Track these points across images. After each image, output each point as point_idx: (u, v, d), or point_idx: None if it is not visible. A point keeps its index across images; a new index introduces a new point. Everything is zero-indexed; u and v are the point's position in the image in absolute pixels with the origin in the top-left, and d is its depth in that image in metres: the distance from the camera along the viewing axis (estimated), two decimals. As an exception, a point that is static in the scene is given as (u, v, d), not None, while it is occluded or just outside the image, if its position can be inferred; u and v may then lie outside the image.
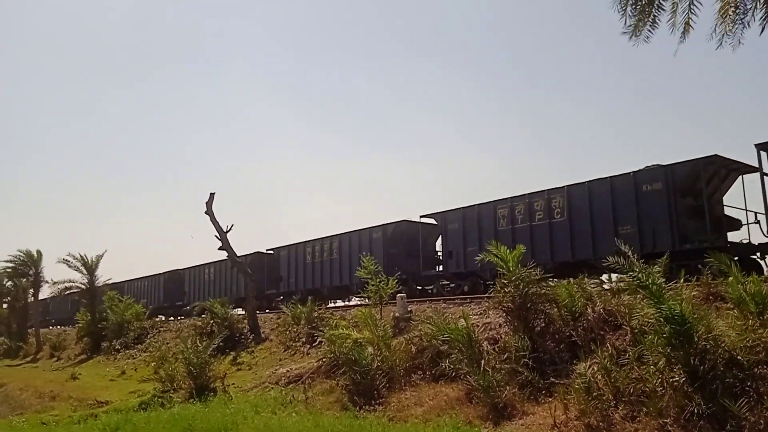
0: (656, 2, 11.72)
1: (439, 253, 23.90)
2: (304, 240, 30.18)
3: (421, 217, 23.94)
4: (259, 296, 29.40)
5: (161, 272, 42.66)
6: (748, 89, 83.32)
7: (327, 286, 28.13)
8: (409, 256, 24.24)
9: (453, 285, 22.38)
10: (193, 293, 38.00)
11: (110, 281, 38.87)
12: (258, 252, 33.12)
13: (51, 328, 51.57)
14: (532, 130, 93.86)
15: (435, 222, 23.23)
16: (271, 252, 32.66)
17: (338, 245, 27.79)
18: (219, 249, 26.42)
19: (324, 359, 15.23)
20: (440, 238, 23.26)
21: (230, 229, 26.00)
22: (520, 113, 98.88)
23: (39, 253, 44.30)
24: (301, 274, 29.92)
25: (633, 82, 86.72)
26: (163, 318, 38.30)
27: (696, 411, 7.87)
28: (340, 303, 27.84)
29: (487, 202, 20.87)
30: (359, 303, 22.29)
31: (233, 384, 17.11)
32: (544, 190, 19.25)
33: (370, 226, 26.31)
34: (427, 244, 24.50)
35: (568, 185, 18.80)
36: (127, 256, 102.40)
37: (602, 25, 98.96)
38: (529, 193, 19.58)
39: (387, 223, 25.74)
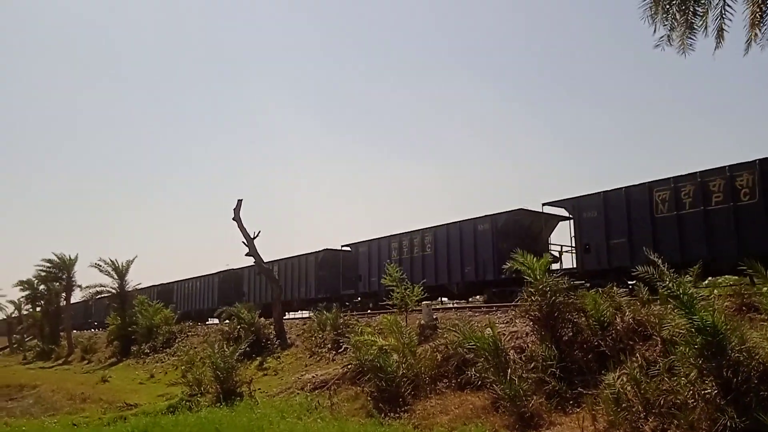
0: (691, 9, 11.62)
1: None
2: (389, 234, 26.62)
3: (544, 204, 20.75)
4: (334, 297, 28.06)
5: (215, 272, 40.36)
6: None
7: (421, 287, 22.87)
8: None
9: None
10: (253, 293, 35.42)
11: (140, 286, 39.52)
12: (329, 249, 30.64)
13: (93, 331, 52.23)
14: (553, 137, 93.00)
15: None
16: (348, 248, 29.23)
17: (432, 238, 24.20)
18: (246, 255, 26.65)
19: (349, 366, 15.25)
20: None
21: (257, 235, 26.21)
22: (540, 119, 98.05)
23: (72, 258, 45.27)
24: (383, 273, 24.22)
25: (660, 91, 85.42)
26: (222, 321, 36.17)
27: (729, 425, 7.67)
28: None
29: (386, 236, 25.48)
30: (383, 311, 21.76)
31: (259, 389, 17.21)
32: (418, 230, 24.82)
33: (475, 216, 22.80)
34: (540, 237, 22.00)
35: (434, 226, 24.29)
36: (158, 261, 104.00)
37: (627, 34, 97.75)
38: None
39: (496, 214, 22.10)
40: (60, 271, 45.40)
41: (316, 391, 15.29)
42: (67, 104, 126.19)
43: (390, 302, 18.40)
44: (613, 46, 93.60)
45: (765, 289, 9.85)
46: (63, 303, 47.31)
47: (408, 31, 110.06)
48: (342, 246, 29.65)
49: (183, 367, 21.69)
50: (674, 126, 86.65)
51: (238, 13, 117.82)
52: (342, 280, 28.90)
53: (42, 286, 49.71)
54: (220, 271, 39.78)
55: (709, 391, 8.14)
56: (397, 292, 17.73)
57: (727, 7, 11.65)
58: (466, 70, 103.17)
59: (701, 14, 11.59)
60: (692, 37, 11.96)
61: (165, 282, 46.13)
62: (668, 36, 12.09)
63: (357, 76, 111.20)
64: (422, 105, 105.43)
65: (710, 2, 11.57)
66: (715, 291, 11.52)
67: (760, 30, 11.58)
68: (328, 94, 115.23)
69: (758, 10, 11.46)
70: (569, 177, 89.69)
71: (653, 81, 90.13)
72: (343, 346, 17.23)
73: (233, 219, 26.16)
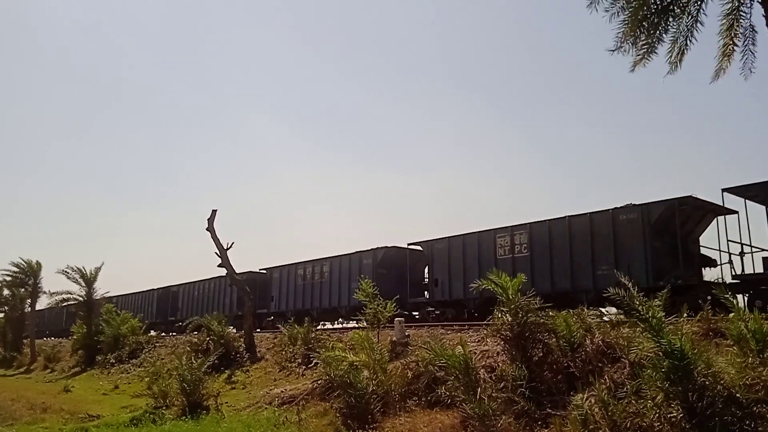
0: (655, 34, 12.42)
1: (426, 280, 24.45)
2: (296, 261, 30.70)
3: (408, 244, 24.91)
4: (244, 315, 29.21)
5: (155, 288, 43.61)
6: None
7: (317, 308, 28.46)
8: (398, 283, 24.19)
9: (438, 312, 22.85)
10: (186, 309, 38.67)
11: (108, 294, 38.84)
12: (251, 271, 33.44)
13: (45, 339, 51.31)
14: (536, 154, 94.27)
15: (422, 249, 23.92)
16: (264, 272, 33.08)
17: (329, 268, 28.28)
18: (219, 266, 26.35)
19: (319, 381, 15.10)
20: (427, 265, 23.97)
21: (230, 246, 25.96)
22: (524, 136, 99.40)
23: (39, 264, 44.35)
24: (291, 295, 30.47)
25: (647, 112, 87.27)
26: (153, 333, 38.20)
27: (693, 448, 7.76)
28: (329, 325, 28.14)
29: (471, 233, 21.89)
30: (355, 326, 22.25)
31: (226, 403, 16.94)
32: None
33: (360, 250, 26.93)
34: (415, 270, 24.86)
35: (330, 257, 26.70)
36: (127, 270, 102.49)
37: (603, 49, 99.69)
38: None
39: (377, 248, 26.22)
40: (26, 277, 44.40)
41: (285, 406, 15.09)
42: (36, 108, 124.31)
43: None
44: (605, 64, 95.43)
45: (732, 315, 10.03)
46: (28, 309, 46.24)
47: (395, 43, 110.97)
48: (260, 269, 33.91)
49: (149, 379, 21.27)
50: (663, 147, 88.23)
51: (217, 23, 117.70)
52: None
53: (6, 292, 48.56)
54: (159, 288, 43.07)
55: (675, 414, 8.22)
56: (370, 308, 17.66)
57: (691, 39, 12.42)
58: (455, 85, 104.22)
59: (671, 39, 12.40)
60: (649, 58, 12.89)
61: (111, 295, 45.70)
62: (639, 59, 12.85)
63: (341, 88, 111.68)
64: (408, 117, 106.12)
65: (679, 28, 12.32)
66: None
67: (729, 61, 12.16)
68: (313, 106, 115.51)
69: (731, 42, 12.01)
70: (556, 195, 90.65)
71: (644, 102, 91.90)
72: (314, 361, 17.09)
73: (207, 229, 25.90)
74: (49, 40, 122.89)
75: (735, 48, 12.66)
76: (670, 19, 12.86)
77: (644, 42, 13.07)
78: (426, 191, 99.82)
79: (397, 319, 17.49)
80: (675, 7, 12.76)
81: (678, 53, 13.07)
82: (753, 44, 12.80)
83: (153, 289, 43.94)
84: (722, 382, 8.31)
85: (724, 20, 12.71)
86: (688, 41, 13.02)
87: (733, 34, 12.54)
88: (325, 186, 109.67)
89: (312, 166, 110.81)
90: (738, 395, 8.16)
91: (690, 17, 12.80)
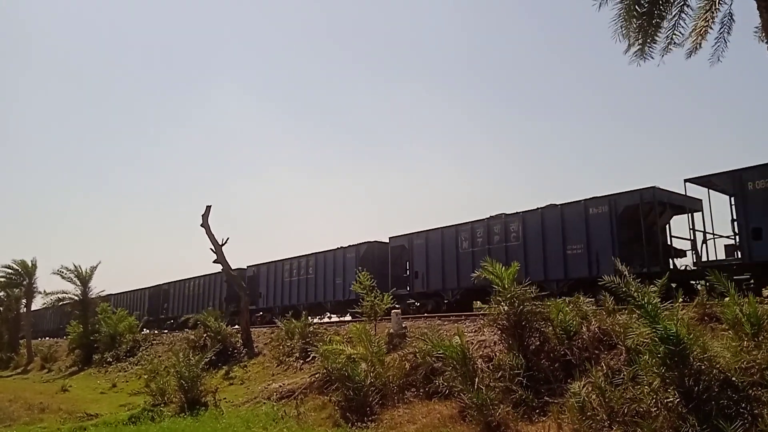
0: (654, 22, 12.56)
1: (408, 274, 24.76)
2: (283, 258, 31.47)
3: (390, 238, 25.43)
4: (240, 311, 29.45)
5: (146, 287, 44.60)
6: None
7: (303, 303, 29.00)
8: (380, 276, 24.14)
9: (418, 304, 23.24)
10: (174, 307, 40.04)
11: (104, 293, 38.75)
12: (239, 268, 33.19)
13: (40, 339, 51.18)
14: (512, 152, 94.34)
15: (404, 244, 24.47)
16: (252, 268, 33.59)
17: (314, 264, 29.00)
18: (214, 262, 26.29)
19: (317, 375, 15.10)
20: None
21: (225, 242, 25.91)
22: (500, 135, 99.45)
23: (33, 264, 44.11)
24: (279, 291, 31.19)
25: (626, 106, 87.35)
26: (146, 330, 38.46)
27: (690, 432, 7.79)
28: (317, 320, 28.24)
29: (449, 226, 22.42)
30: (350, 320, 22.33)
31: (225, 399, 16.93)
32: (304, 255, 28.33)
33: (344, 246, 27.69)
34: (397, 264, 25.13)
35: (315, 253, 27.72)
36: (121, 268, 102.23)
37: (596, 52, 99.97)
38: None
39: (359, 243, 26.96)
40: (21, 277, 44.18)
41: (283, 401, 15.08)
42: (30, 108, 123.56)
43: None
44: (582, 61, 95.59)
45: (727, 299, 10.06)
46: (23, 310, 46.04)
47: (381, 38, 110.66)
48: (247, 266, 34.13)
49: (146, 377, 21.24)
50: (635, 139, 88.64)
51: (210, 19, 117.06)
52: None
53: (1, 293, 48.32)
54: (150, 287, 43.91)
55: (672, 399, 8.25)
56: (368, 301, 17.65)
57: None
58: (438, 81, 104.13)
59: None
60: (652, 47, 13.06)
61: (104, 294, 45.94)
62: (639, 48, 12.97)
63: (327, 82, 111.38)
64: (392, 113, 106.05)
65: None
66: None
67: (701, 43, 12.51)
68: (299, 100, 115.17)
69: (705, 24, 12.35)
70: (530, 190, 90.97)
71: (617, 95, 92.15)
72: (311, 355, 17.08)
73: (201, 225, 25.81)
74: (38, 41, 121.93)
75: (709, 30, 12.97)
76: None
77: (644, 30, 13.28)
78: (419, 186, 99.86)
79: (394, 311, 17.49)
80: None
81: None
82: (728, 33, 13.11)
83: (145, 288, 44.70)
84: (718, 366, 8.35)
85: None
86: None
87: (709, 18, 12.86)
88: (315, 182, 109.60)
89: (302, 162, 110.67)
90: (734, 379, 8.21)
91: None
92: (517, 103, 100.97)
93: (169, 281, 42.07)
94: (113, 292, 46.39)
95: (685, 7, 12.96)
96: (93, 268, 36.95)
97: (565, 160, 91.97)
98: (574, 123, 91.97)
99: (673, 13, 13.05)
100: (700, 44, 13.16)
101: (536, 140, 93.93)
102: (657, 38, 13.33)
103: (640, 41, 13.39)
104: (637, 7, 12.96)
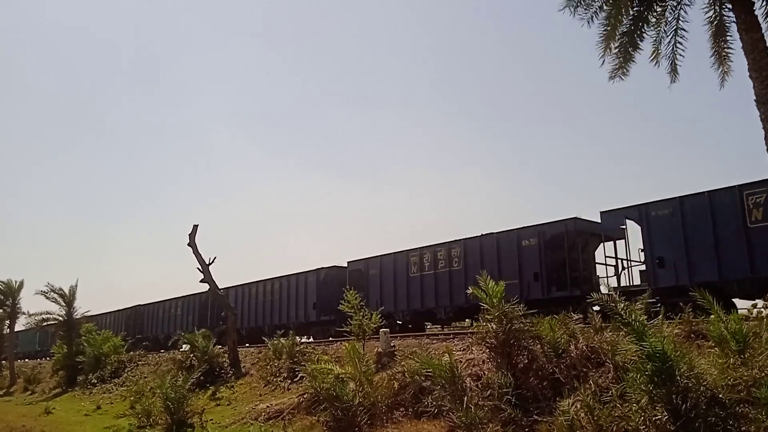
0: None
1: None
2: (250, 281, 32.88)
3: (348, 263, 26.72)
4: (227, 330, 29.62)
5: (124, 308, 45.69)
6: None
7: (268, 325, 29.80)
8: (339, 299, 24.40)
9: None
10: (151, 327, 41.66)
11: (88, 313, 38.19)
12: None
13: (22, 361, 50.38)
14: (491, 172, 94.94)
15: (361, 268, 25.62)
16: (223, 291, 33.32)
17: (278, 287, 30.44)
18: (201, 281, 26.10)
19: (305, 395, 14.96)
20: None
21: (212, 261, 25.75)
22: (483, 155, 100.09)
23: (19, 283, 43.48)
24: (246, 313, 32.18)
25: (613, 124, 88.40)
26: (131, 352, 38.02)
27: (679, 450, 7.80)
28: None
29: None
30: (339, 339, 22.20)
31: (211, 420, 16.72)
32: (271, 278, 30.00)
33: (305, 270, 29.24)
34: (355, 288, 25.23)
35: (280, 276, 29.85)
36: (105, 288, 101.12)
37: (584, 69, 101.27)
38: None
39: (319, 268, 28.51)
40: (5, 297, 43.53)
41: (271, 422, 14.93)
42: (14, 130, 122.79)
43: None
44: (571, 77, 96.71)
45: (712, 317, 10.14)
46: (6, 330, 45.33)
47: (372, 55, 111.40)
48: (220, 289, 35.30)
49: (132, 398, 20.93)
50: (628, 159, 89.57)
51: (192, 40, 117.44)
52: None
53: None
54: (128, 308, 44.96)
55: (660, 416, 8.26)
56: (356, 320, 17.53)
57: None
58: (433, 97, 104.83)
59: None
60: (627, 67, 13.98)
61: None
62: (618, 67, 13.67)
63: (306, 102, 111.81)
64: (382, 132, 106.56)
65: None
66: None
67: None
68: (281, 122, 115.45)
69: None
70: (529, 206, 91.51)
71: (608, 113, 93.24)
72: (299, 375, 16.93)
73: (188, 245, 25.65)
74: (20, 60, 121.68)
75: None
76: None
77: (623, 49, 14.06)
78: (402, 205, 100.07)
79: (382, 330, 17.40)
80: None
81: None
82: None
83: (122, 309, 45.50)
84: (705, 383, 8.38)
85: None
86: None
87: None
88: (294, 202, 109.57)
89: (283, 181, 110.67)
90: (721, 396, 8.24)
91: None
92: (490, 124, 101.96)
93: (145, 303, 43.24)
94: (96, 313, 46.03)
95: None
96: (73, 288, 36.26)
97: (543, 179, 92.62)
98: (549, 143, 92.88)
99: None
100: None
101: (512, 160, 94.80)
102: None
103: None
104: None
